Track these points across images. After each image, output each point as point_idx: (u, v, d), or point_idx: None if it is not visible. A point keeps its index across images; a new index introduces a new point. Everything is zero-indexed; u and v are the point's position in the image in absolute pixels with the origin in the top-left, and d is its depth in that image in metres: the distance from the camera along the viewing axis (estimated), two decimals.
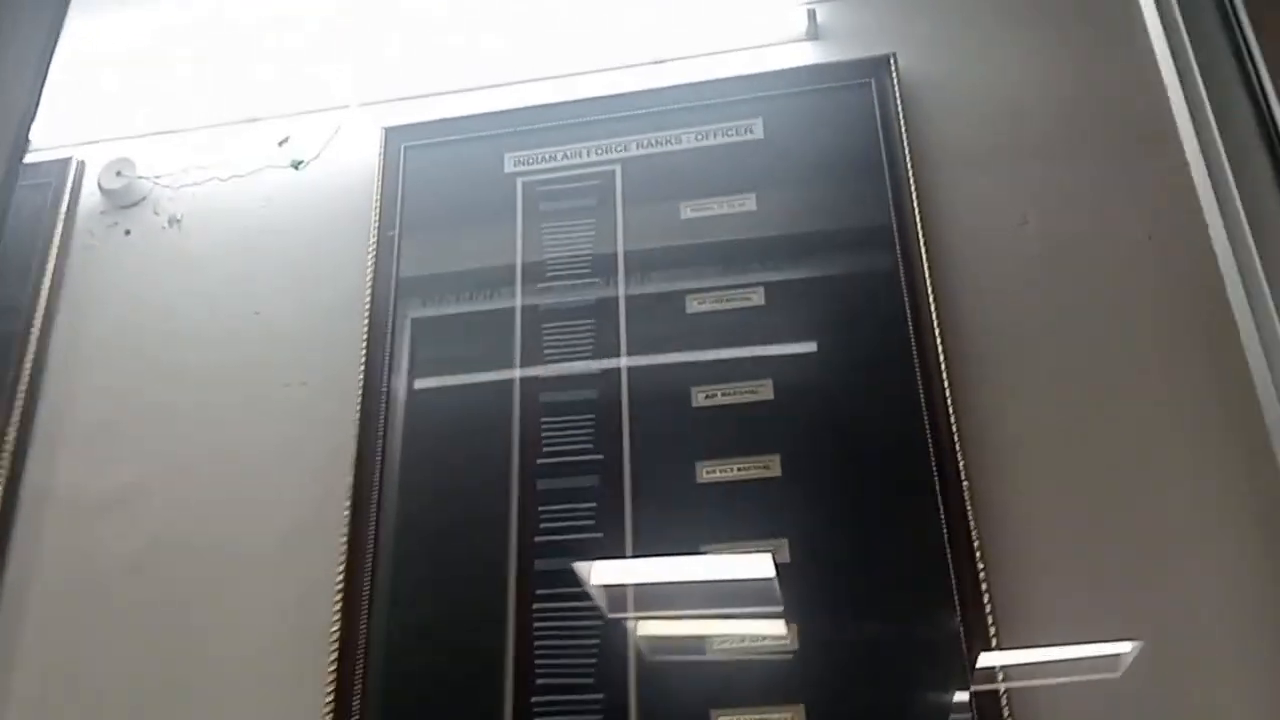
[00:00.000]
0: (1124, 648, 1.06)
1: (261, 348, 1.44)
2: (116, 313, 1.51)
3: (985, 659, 1.05)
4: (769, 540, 1.15)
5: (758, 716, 1.09)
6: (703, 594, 1.17)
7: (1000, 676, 1.05)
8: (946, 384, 1.18)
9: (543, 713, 1.13)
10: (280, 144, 1.56)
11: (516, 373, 1.31)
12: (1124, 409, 1.17)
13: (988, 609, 1.08)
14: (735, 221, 1.34)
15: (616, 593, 1.18)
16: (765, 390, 1.23)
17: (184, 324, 1.48)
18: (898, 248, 1.27)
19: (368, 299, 1.39)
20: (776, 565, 1.14)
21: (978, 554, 1.10)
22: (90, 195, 1.59)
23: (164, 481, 1.38)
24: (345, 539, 1.25)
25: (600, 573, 1.19)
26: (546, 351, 1.32)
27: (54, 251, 1.53)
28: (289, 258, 1.49)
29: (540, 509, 1.23)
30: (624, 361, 1.29)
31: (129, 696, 1.27)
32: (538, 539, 1.22)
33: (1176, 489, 1.12)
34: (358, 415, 1.32)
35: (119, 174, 1.57)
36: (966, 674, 1.06)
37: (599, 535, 1.20)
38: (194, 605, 1.30)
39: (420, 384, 1.34)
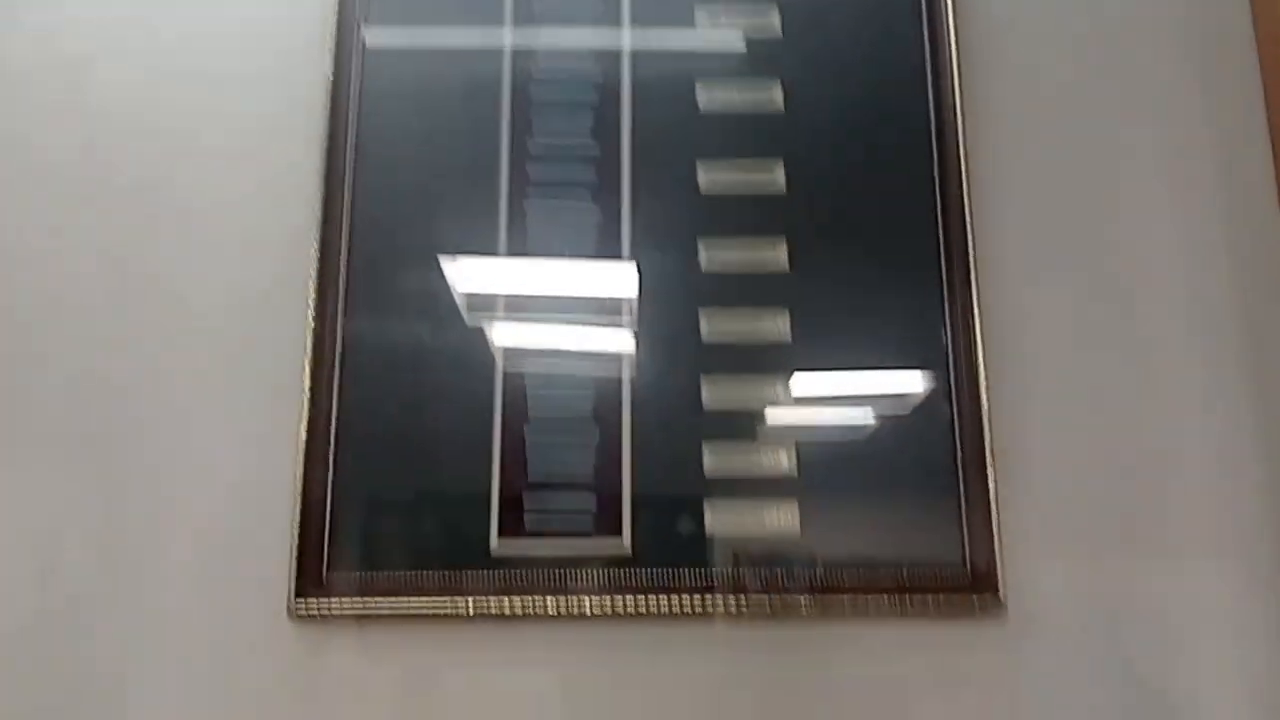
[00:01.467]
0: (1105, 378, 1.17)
1: None
2: None
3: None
4: (769, 238, 1.18)
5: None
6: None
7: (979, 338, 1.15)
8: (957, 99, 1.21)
9: None
10: None
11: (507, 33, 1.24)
12: (1124, 169, 1.23)
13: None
14: None
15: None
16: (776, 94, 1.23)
17: None
18: None
19: None
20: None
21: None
22: None
23: (116, 57, 1.25)
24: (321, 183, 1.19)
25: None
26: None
27: None
28: None
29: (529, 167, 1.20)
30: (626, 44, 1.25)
31: (79, 298, 1.19)
32: (528, 189, 1.19)
33: (1179, 253, 1.21)
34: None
35: None
36: (946, 332, 1.16)
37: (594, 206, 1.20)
38: (152, 206, 1.21)
39: (395, 38, 1.24)
